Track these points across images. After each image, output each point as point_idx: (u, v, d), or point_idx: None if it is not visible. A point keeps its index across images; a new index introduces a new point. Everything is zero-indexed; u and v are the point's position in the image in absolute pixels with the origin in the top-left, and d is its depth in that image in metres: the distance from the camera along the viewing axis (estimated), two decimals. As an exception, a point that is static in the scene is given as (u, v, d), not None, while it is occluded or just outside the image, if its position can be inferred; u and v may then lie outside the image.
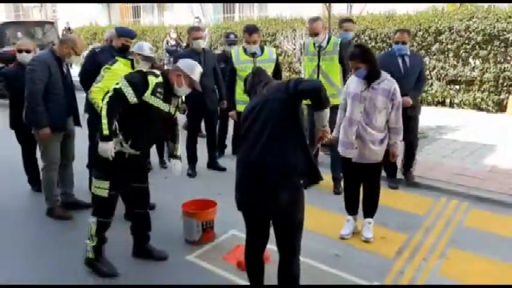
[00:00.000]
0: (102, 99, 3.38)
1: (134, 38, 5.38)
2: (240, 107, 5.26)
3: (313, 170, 2.87)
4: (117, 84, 3.33)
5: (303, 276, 3.03)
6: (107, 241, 3.68)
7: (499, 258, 3.85)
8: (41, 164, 4.86)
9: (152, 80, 3.38)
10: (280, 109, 2.77)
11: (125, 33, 5.31)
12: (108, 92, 3.36)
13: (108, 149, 3.31)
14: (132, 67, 4.55)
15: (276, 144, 2.75)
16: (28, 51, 5.00)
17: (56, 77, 4.46)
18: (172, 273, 3.69)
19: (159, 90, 3.42)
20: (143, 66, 4.61)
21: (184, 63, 3.60)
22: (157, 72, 3.52)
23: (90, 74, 4.83)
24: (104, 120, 3.27)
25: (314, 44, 5.10)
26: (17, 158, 5.50)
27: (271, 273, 3.15)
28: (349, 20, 6.37)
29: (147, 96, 3.36)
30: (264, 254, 3.12)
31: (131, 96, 3.30)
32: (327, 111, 2.88)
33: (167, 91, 3.49)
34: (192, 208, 4.19)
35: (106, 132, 3.28)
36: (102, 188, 3.50)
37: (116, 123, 3.40)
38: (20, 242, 4.26)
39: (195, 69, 3.59)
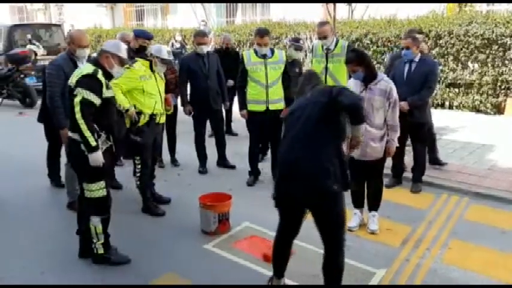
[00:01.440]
0: (77, 113, 3.44)
1: (151, 39, 5.63)
2: (251, 107, 5.50)
3: (344, 178, 2.99)
4: (77, 96, 3.44)
5: (316, 263, 3.28)
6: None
7: (499, 249, 4.10)
8: (64, 160, 5.08)
9: (100, 76, 3.57)
10: (320, 113, 2.91)
11: (142, 34, 5.60)
12: (73, 108, 3.45)
13: (99, 157, 3.53)
14: (151, 68, 4.80)
15: (312, 147, 2.89)
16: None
17: None
18: (192, 260, 3.93)
19: (107, 82, 3.64)
20: (160, 69, 4.86)
21: (109, 44, 3.79)
22: (92, 66, 3.63)
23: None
24: (87, 134, 3.45)
25: (322, 46, 5.36)
26: (35, 157, 5.72)
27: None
28: (418, 32, 5.87)
29: (105, 92, 3.60)
30: (292, 245, 3.34)
31: (96, 99, 3.51)
32: (362, 126, 3.02)
33: (108, 78, 3.70)
34: (208, 201, 4.43)
35: (94, 143, 3.48)
36: (100, 189, 3.67)
37: (96, 126, 3.57)
38: (41, 234, 4.46)
39: (120, 47, 3.76)
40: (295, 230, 3.25)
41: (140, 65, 4.78)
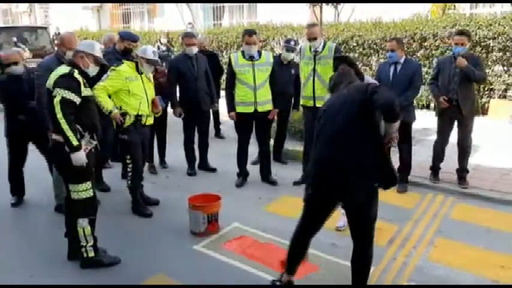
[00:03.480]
0: (57, 113, 3.45)
1: (136, 41, 5.63)
2: (240, 109, 5.53)
3: (389, 173, 2.98)
4: (56, 97, 3.45)
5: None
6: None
7: (483, 247, 4.19)
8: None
9: (77, 75, 3.59)
10: (357, 111, 2.86)
11: (127, 36, 5.60)
12: (54, 109, 3.45)
13: (81, 157, 3.53)
14: (137, 69, 4.81)
15: (351, 148, 2.88)
16: (16, 63, 4.88)
17: None
18: (181, 261, 3.95)
19: (84, 81, 3.67)
20: (147, 69, 4.87)
21: (83, 44, 3.84)
22: (68, 66, 3.66)
23: (94, 75, 5.05)
24: (69, 133, 3.45)
25: (310, 49, 5.42)
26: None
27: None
28: (463, 33, 5.47)
29: (83, 90, 3.62)
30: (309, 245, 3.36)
31: (75, 98, 3.52)
32: (397, 124, 2.88)
33: (85, 77, 3.73)
34: (197, 202, 4.45)
35: (76, 142, 3.48)
36: (87, 189, 3.68)
37: (78, 126, 3.58)
38: (30, 237, 4.46)
39: (94, 46, 3.81)
40: (318, 229, 3.27)
41: (126, 66, 4.79)
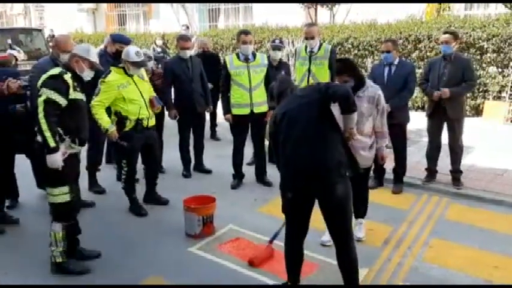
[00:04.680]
0: (39, 112, 3.43)
1: (128, 44, 5.58)
2: (236, 111, 5.53)
3: (354, 161, 3.21)
4: (41, 96, 3.44)
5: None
6: (79, 243, 3.93)
7: (478, 247, 4.20)
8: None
9: (68, 78, 3.56)
10: (318, 111, 3.03)
11: (119, 39, 5.58)
12: (37, 108, 3.44)
13: (57, 159, 3.47)
14: (126, 73, 4.76)
15: (322, 144, 3.01)
16: None
17: None
18: (176, 263, 3.95)
19: (75, 84, 3.63)
20: (134, 72, 4.79)
21: (78, 49, 3.81)
22: (60, 68, 3.67)
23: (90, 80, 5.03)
24: (47, 134, 3.41)
25: (306, 49, 5.44)
26: (18, 161, 5.64)
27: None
28: (448, 32, 5.46)
29: (72, 93, 3.57)
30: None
31: (61, 100, 3.49)
32: (354, 115, 3.15)
33: (79, 81, 3.70)
34: (192, 203, 4.45)
35: (53, 144, 3.43)
36: (63, 194, 3.62)
37: (59, 129, 3.54)
38: (24, 239, 4.45)
39: (89, 51, 3.78)
40: (306, 229, 3.27)
41: (115, 74, 4.72)
